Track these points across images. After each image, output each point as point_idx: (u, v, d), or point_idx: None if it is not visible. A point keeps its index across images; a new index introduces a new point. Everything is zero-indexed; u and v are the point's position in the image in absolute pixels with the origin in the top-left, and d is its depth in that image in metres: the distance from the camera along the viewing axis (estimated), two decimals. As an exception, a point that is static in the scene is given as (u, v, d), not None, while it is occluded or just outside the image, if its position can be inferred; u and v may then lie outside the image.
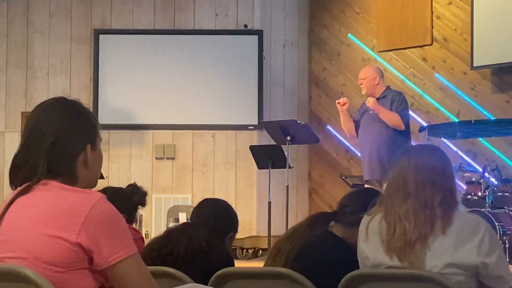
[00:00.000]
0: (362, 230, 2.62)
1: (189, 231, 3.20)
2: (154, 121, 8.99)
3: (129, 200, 4.22)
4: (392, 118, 6.59)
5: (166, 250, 3.09)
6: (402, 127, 6.62)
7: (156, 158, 9.00)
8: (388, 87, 6.91)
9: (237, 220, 3.52)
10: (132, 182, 4.46)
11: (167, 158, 9.00)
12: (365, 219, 2.64)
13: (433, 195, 2.50)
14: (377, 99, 6.72)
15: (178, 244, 3.11)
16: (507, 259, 3.00)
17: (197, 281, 2.68)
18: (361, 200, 3.06)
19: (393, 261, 2.47)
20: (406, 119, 6.69)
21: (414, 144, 2.79)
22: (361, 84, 6.86)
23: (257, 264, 6.48)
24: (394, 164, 2.65)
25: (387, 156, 6.44)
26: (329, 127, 9.49)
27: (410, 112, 8.82)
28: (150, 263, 3.01)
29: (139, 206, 4.32)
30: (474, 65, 8.20)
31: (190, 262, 3.03)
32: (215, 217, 3.39)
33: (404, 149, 2.74)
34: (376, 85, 6.77)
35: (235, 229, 3.49)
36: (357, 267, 2.64)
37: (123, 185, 9.26)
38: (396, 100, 6.70)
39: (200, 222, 3.34)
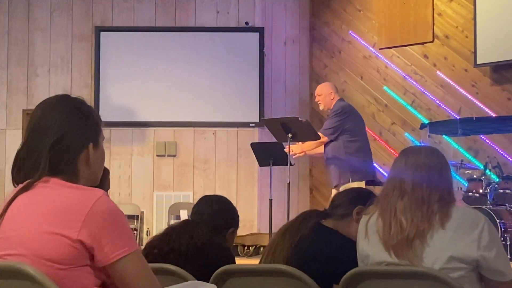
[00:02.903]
0: (362, 229, 2.63)
1: (190, 228, 3.20)
2: (155, 118, 9.00)
3: None
4: (313, 145, 6.92)
5: (168, 247, 3.10)
6: (324, 139, 6.84)
7: (157, 155, 9.01)
8: (338, 100, 7.06)
9: (238, 216, 3.51)
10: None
11: (168, 156, 9.00)
12: (364, 218, 2.65)
13: (430, 193, 2.51)
14: (329, 114, 7.04)
15: (179, 241, 3.11)
16: (508, 256, 3.01)
17: (199, 278, 2.69)
18: (352, 194, 3.19)
19: (393, 258, 2.48)
20: (329, 129, 6.85)
21: (412, 146, 2.81)
22: (318, 101, 7.14)
23: (258, 262, 6.47)
24: (392, 164, 2.66)
25: (337, 164, 6.84)
26: (330, 124, 9.48)
27: (412, 109, 8.85)
28: (152, 260, 3.01)
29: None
30: (478, 62, 8.19)
31: (191, 259, 3.04)
32: (215, 213, 3.39)
33: (403, 149, 2.75)
34: (332, 99, 7.04)
35: (236, 225, 3.49)
36: (351, 255, 2.68)
37: (125, 183, 9.28)
38: (331, 111, 6.95)
39: (200, 219, 3.34)
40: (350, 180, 6.81)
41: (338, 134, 6.83)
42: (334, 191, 7.08)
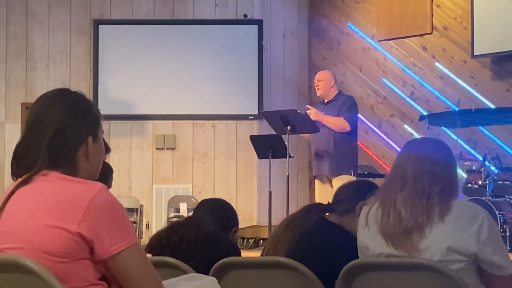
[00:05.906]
0: (362, 220, 2.62)
1: (196, 220, 3.24)
2: (154, 112, 8.99)
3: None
4: (335, 124, 6.98)
5: (177, 237, 3.11)
6: (348, 128, 6.99)
7: (157, 149, 9.00)
8: (340, 92, 7.30)
9: (237, 217, 3.56)
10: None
11: (167, 149, 9.00)
12: (365, 209, 2.64)
13: (431, 185, 2.49)
14: (329, 101, 7.16)
15: (188, 230, 3.14)
16: (508, 248, 3.01)
17: (209, 267, 2.71)
18: (356, 188, 3.15)
19: (390, 248, 2.48)
20: (352, 121, 7.03)
21: (418, 137, 2.79)
22: (317, 86, 7.25)
23: (258, 254, 6.49)
24: (397, 155, 2.66)
25: (334, 154, 6.96)
26: (329, 116, 9.48)
27: (411, 101, 8.85)
28: (160, 251, 3.04)
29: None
30: (475, 53, 8.19)
31: (202, 246, 3.06)
32: (218, 213, 3.43)
33: (408, 141, 2.75)
34: (331, 87, 7.20)
35: (236, 225, 3.54)
36: (355, 252, 2.65)
37: (124, 176, 9.27)
38: (344, 103, 7.07)
39: (204, 217, 3.38)
40: (352, 174, 6.91)
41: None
42: (317, 182, 7.19)
